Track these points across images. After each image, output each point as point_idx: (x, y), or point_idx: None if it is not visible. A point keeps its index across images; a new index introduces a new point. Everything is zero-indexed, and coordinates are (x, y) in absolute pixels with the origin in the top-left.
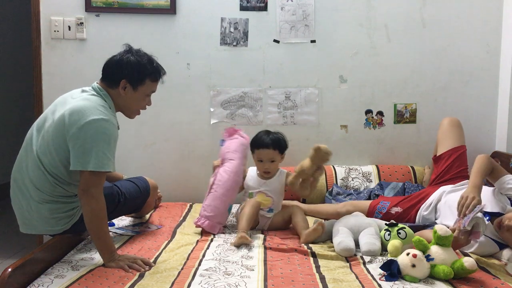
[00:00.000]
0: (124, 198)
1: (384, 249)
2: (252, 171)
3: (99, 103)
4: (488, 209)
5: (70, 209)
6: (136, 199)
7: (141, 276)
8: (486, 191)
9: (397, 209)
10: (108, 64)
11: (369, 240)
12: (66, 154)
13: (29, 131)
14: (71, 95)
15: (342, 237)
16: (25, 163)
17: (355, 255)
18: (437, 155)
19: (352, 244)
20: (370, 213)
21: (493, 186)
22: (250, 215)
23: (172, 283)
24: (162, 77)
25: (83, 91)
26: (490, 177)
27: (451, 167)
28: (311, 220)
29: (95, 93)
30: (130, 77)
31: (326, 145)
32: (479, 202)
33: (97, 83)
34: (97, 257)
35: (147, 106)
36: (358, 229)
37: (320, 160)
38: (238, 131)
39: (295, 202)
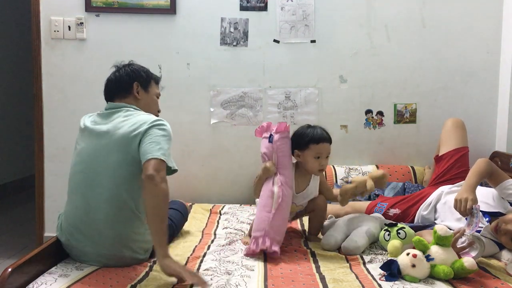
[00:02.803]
0: (177, 231)
1: (384, 249)
2: None
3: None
4: (488, 209)
5: None
6: (181, 227)
7: (145, 276)
8: (487, 191)
9: (395, 211)
10: (109, 81)
11: (352, 237)
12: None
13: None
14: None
15: (331, 232)
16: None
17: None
18: (439, 155)
19: (336, 239)
20: None
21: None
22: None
23: (174, 284)
24: (160, 81)
25: (126, 113)
26: (490, 181)
27: (452, 167)
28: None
29: (130, 108)
30: (140, 79)
31: (383, 172)
32: (474, 201)
33: (110, 104)
34: None
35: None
36: (353, 226)
37: (380, 185)
38: (288, 128)
39: None
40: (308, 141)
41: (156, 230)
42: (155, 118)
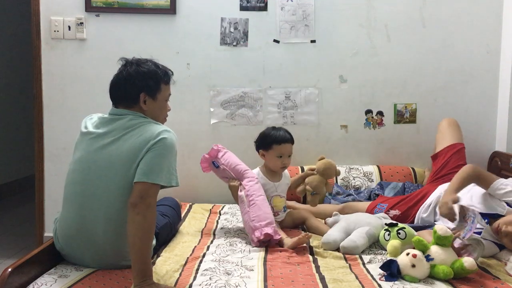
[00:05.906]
0: (174, 230)
1: (383, 249)
2: (257, 174)
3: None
4: (485, 210)
5: None
6: (177, 225)
7: None
8: (482, 192)
9: (395, 212)
10: (115, 84)
11: (352, 237)
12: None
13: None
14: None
15: (331, 231)
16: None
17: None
18: (435, 153)
19: (336, 239)
20: None
21: None
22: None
23: (174, 284)
24: (172, 77)
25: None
26: (480, 185)
27: (448, 162)
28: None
29: (135, 116)
30: (147, 88)
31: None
32: (455, 200)
33: (115, 110)
34: None
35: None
36: (354, 226)
37: (329, 176)
38: (218, 146)
39: (297, 204)
40: (271, 142)
41: (135, 258)
42: (156, 133)
